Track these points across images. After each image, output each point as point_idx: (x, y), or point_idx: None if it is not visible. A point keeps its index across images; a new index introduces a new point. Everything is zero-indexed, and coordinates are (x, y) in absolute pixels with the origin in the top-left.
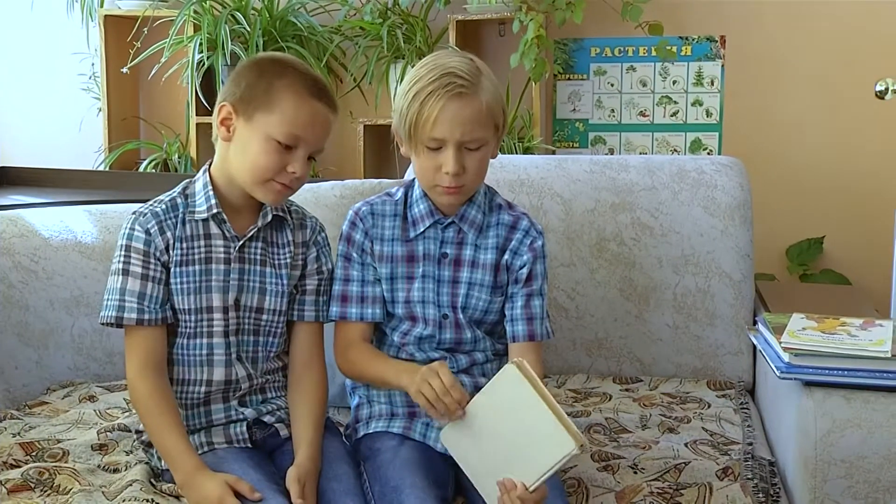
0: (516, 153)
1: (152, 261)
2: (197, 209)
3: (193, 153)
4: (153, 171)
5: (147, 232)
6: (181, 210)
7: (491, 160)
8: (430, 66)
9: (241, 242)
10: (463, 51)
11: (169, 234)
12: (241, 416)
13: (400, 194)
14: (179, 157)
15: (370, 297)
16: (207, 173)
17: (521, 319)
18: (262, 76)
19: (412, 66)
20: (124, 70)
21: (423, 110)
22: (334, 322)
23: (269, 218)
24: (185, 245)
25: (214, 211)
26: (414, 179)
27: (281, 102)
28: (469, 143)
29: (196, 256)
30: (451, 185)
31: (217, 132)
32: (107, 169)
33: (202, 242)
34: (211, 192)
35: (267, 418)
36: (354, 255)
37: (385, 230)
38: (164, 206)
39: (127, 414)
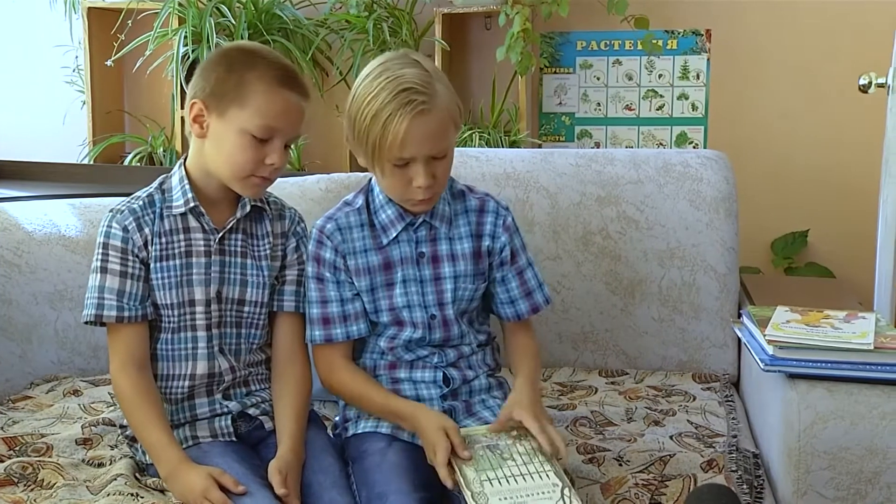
0: (502, 147)
1: (130, 258)
2: (174, 204)
3: (178, 146)
4: (138, 164)
5: (124, 229)
6: (158, 205)
7: (475, 153)
8: (383, 81)
9: (220, 235)
10: (404, 53)
11: (147, 230)
12: (226, 410)
13: (360, 201)
14: (164, 151)
15: (352, 314)
16: (183, 167)
17: (521, 298)
18: (232, 70)
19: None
20: (108, 63)
21: (386, 132)
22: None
23: (248, 209)
24: (163, 240)
25: (192, 205)
26: (372, 182)
27: (253, 95)
28: (436, 154)
29: (176, 251)
30: (423, 197)
31: (190, 129)
32: (91, 162)
33: (181, 236)
34: (187, 186)
35: (251, 411)
36: (327, 274)
37: (355, 242)
38: (140, 203)
39: (112, 408)
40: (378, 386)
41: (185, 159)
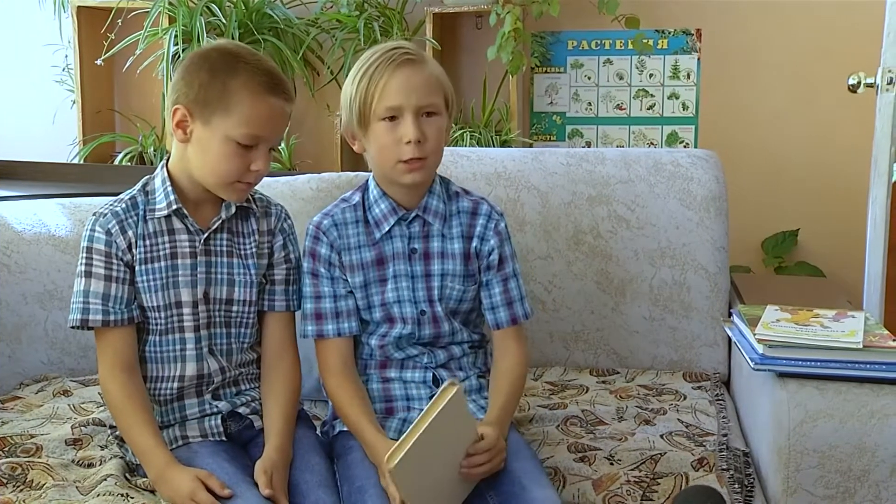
0: (493, 146)
1: (114, 261)
2: (157, 206)
3: (169, 146)
4: (128, 164)
5: (108, 232)
6: (142, 207)
7: (466, 152)
8: (372, 50)
9: (205, 235)
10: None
11: (130, 232)
12: (216, 410)
13: (357, 198)
14: (155, 150)
15: (344, 311)
16: (165, 169)
17: (502, 305)
18: (215, 75)
19: None
20: (98, 62)
21: (371, 83)
22: (314, 339)
23: (234, 209)
24: (148, 242)
25: (174, 207)
26: (368, 181)
27: (238, 104)
28: (426, 108)
29: (161, 253)
30: (413, 155)
31: (173, 134)
32: (81, 162)
33: (166, 238)
34: (170, 188)
35: (242, 410)
36: (322, 270)
37: (350, 238)
38: (124, 205)
39: (101, 409)
40: (357, 406)
41: (168, 160)
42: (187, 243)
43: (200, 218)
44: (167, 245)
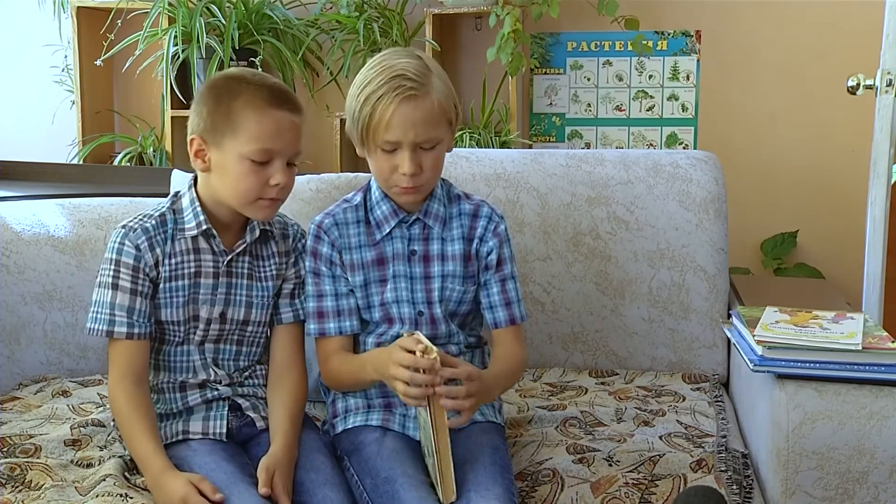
0: (493, 147)
1: (141, 276)
2: (186, 226)
3: (168, 147)
4: (128, 164)
5: (137, 248)
6: (170, 226)
7: (465, 153)
8: (379, 68)
9: (229, 257)
10: (409, 48)
11: (158, 250)
12: (217, 393)
13: (359, 199)
14: (154, 151)
15: (346, 309)
16: (193, 189)
17: (501, 305)
18: (220, 100)
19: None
20: (98, 62)
21: (374, 114)
22: (314, 338)
23: (258, 233)
24: (174, 261)
25: (204, 227)
26: (370, 181)
27: (243, 122)
28: (423, 144)
29: (185, 271)
30: (408, 185)
31: (193, 164)
32: (80, 162)
33: (191, 257)
34: (199, 209)
35: (241, 402)
36: (324, 268)
37: (351, 238)
38: (153, 222)
39: (100, 409)
40: (362, 356)
41: (195, 181)
42: (211, 263)
43: (226, 240)
44: (192, 264)
